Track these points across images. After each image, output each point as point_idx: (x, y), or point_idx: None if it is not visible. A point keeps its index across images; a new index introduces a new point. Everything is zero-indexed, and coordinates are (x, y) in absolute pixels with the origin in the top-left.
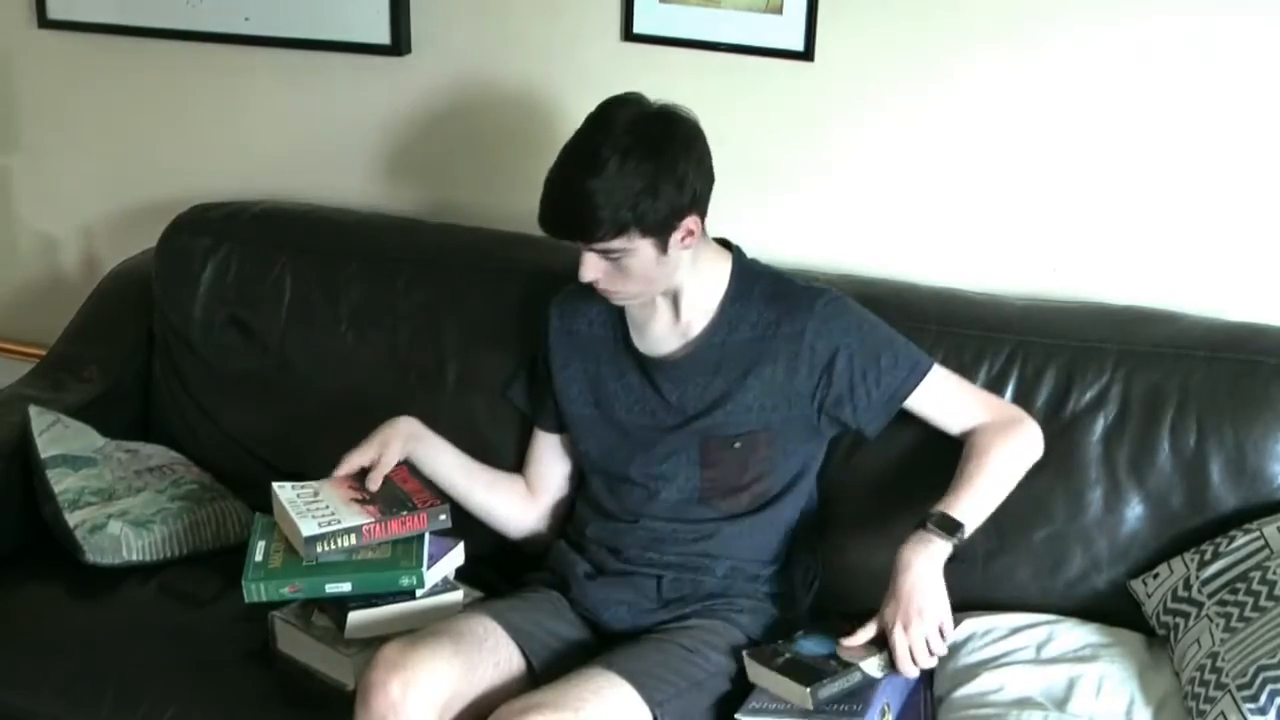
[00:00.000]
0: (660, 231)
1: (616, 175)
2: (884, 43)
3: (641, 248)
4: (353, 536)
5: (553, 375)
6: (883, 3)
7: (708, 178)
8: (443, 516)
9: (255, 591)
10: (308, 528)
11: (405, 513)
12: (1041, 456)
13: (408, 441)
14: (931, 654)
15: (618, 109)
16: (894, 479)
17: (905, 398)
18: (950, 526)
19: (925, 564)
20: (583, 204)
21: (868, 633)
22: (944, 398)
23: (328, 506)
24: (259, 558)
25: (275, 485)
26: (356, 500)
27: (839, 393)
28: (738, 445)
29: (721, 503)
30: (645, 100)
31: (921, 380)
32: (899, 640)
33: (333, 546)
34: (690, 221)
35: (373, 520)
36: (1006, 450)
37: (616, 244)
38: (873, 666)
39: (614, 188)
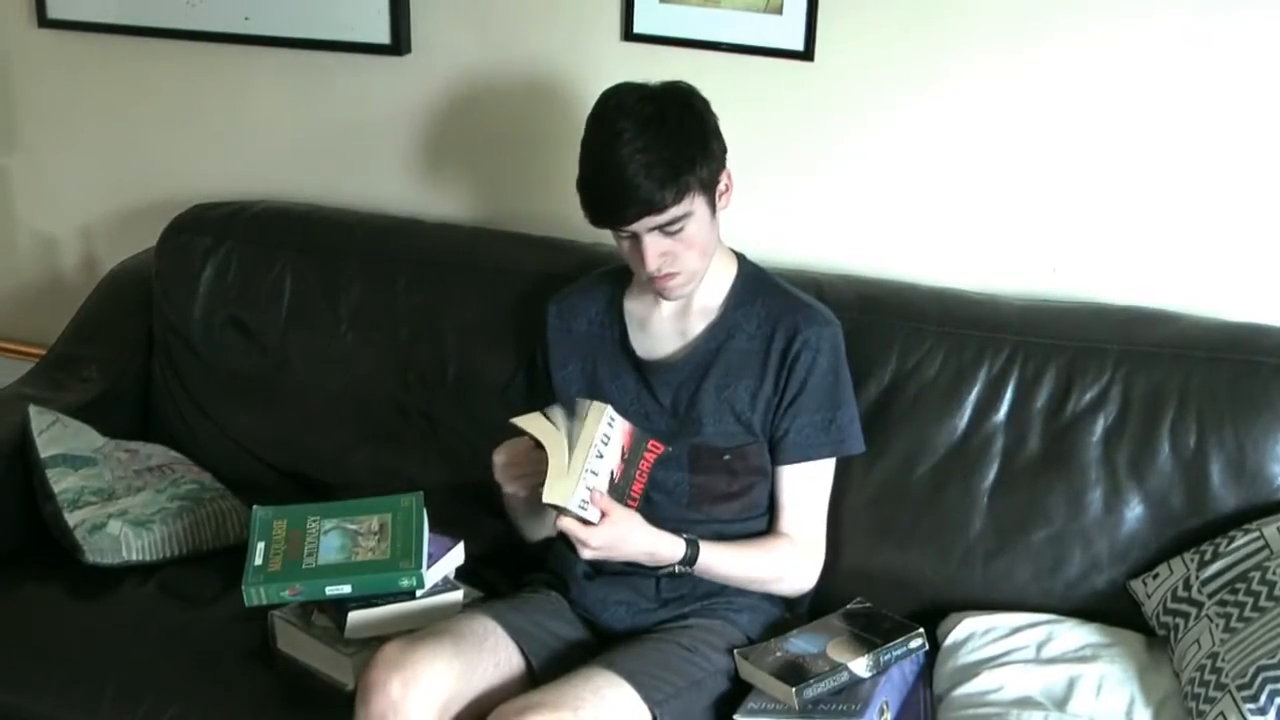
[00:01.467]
0: (710, 187)
1: (660, 142)
2: (884, 43)
3: (699, 208)
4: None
5: (551, 375)
6: (883, 3)
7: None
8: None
9: (255, 595)
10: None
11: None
12: (787, 590)
13: None
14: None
15: (623, 92)
16: (892, 480)
17: (804, 460)
18: (684, 567)
19: (657, 556)
20: (643, 176)
21: (609, 502)
22: (804, 486)
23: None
24: (258, 560)
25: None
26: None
27: (773, 404)
28: (727, 458)
29: (712, 508)
30: (635, 82)
31: (820, 459)
32: (586, 542)
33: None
34: (726, 175)
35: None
36: (773, 565)
37: (681, 207)
38: (860, 666)
39: (664, 153)
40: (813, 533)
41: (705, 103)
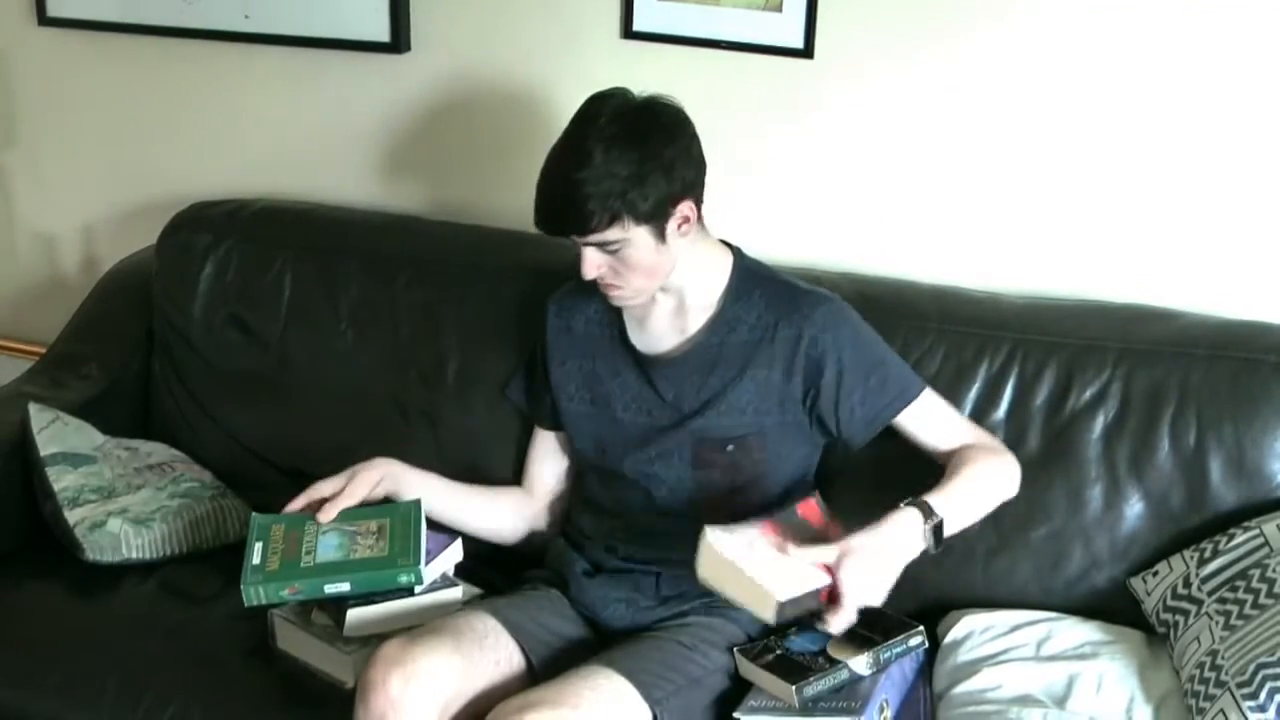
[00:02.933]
0: (654, 219)
1: (603, 164)
2: (884, 40)
3: (637, 236)
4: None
5: (550, 372)
6: (882, 1)
7: (698, 164)
8: None
9: (254, 595)
10: (781, 591)
11: None
12: (1015, 492)
13: (383, 479)
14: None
15: (601, 103)
16: (895, 477)
17: (889, 420)
18: (933, 521)
19: (907, 542)
20: (573, 196)
21: (817, 553)
22: (931, 421)
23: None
24: (256, 560)
25: (709, 532)
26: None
27: (826, 404)
28: (730, 448)
29: (714, 504)
30: (629, 93)
31: (907, 406)
32: (848, 584)
33: (799, 609)
34: (685, 208)
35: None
36: (991, 470)
37: (611, 234)
38: (860, 664)
39: (601, 177)
40: (975, 431)
41: (674, 130)
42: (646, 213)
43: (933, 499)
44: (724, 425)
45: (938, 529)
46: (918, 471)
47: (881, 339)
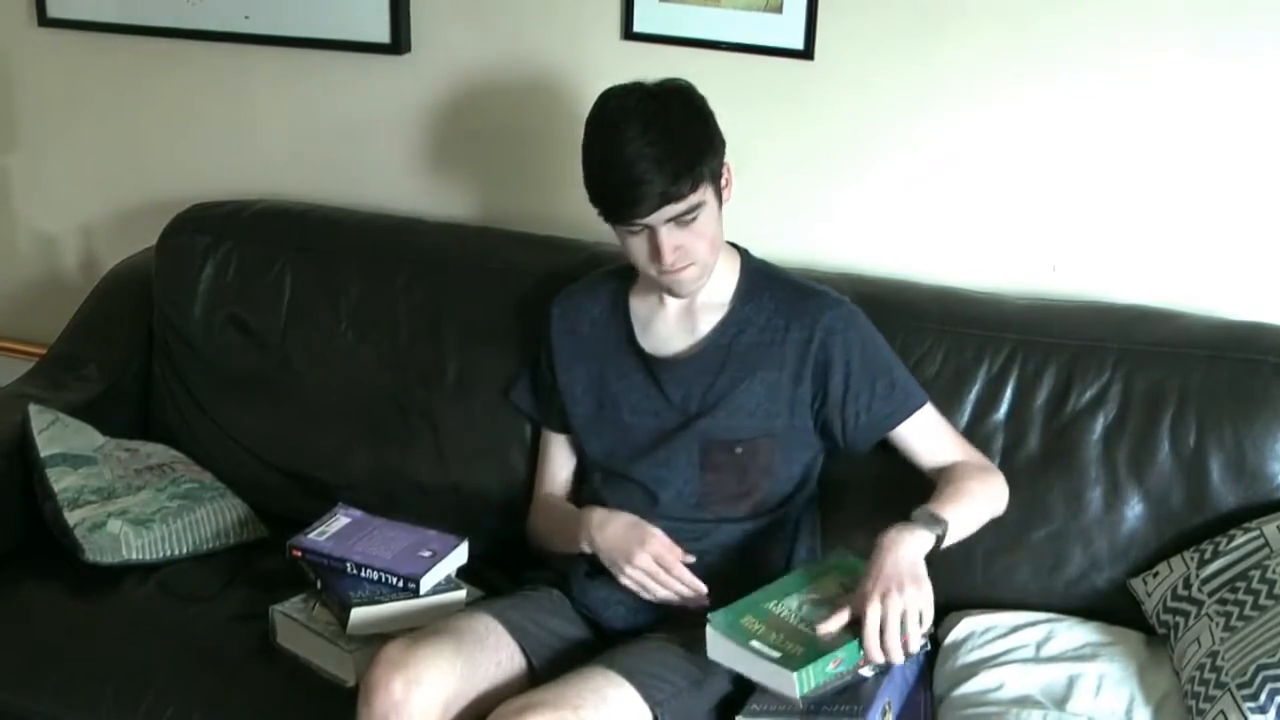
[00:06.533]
0: (717, 178)
1: (667, 137)
2: (884, 41)
3: (709, 199)
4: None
5: (556, 376)
6: (882, 1)
7: None
8: None
9: (805, 680)
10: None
11: None
12: (1003, 510)
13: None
14: (905, 640)
15: (619, 94)
16: (896, 479)
17: (891, 428)
18: (934, 521)
19: (909, 547)
20: (655, 171)
21: (842, 618)
22: (929, 435)
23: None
24: (775, 654)
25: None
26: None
27: (832, 408)
28: (739, 450)
29: (721, 508)
30: (630, 83)
31: (909, 416)
32: (872, 615)
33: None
34: (727, 169)
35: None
36: (984, 488)
37: (696, 196)
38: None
39: (673, 146)
40: (968, 448)
41: (703, 98)
42: (714, 172)
43: (936, 507)
44: (732, 427)
45: (930, 518)
46: (921, 483)
47: (889, 346)
